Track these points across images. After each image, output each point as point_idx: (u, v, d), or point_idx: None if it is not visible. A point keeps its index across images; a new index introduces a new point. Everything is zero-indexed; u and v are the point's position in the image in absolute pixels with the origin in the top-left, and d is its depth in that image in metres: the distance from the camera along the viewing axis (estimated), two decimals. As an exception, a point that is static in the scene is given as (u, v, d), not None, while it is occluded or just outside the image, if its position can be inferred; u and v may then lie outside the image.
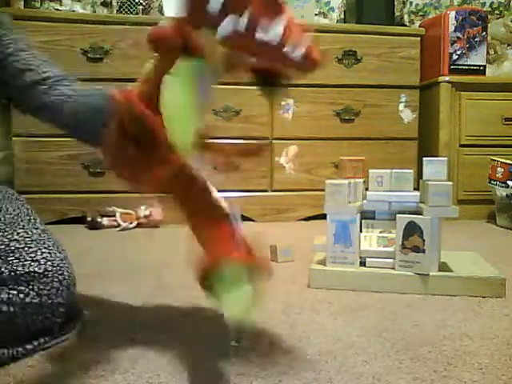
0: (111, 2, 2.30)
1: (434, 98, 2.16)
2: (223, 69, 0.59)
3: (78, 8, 2.31)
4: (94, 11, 2.33)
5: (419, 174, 2.16)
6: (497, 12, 2.66)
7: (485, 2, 2.65)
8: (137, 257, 1.34)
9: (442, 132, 2.12)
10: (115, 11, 2.22)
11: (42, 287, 0.70)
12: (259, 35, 0.53)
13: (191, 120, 0.57)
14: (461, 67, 2.14)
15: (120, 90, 0.61)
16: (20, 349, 0.68)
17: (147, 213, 1.90)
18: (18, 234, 0.75)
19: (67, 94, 0.78)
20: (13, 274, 0.69)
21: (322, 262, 1.09)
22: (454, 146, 2.13)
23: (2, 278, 0.69)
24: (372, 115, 2.12)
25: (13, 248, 0.72)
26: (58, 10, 2.24)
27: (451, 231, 1.61)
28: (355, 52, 2.08)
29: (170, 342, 0.75)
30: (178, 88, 0.56)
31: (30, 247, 0.73)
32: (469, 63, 2.15)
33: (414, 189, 1.13)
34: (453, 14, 2.13)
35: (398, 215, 1.01)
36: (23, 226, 0.78)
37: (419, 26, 2.37)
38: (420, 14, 2.61)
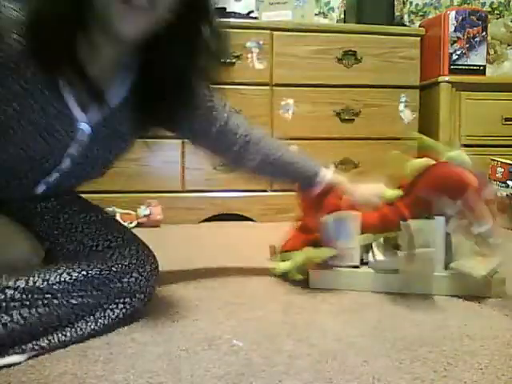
0: (111, 2, 2.29)
1: (433, 97, 2.16)
2: None
3: (78, 8, 2.31)
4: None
5: (419, 173, 2.16)
6: (497, 12, 2.66)
7: (485, 2, 2.65)
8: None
9: (442, 132, 2.12)
10: (115, 11, 2.22)
11: (122, 275, 0.79)
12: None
13: None
14: (461, 67, 2.14)
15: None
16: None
17: (147, 212, 1.90)
18: (111, 233, 0.85)
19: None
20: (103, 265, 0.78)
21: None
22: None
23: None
24: (372, 115, 2.12)
25: (106, 245, 0.83)
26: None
27: (451, 231, 1.61)
28: (355, 52, 2.08)
29: (170, 341, 0.75)
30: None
31: (120, 245, 0.83)
32: (469, 63, 2.15)
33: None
34: (453, 13, 2.13)
35: (401, 222, 1.00)
36: (116, 226, 0.89)
37: (419, 26, 2.37)
38: (420, 14, 2.62)
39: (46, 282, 0.71)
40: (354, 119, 2.11)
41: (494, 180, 1.97)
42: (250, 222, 2.03)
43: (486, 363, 0.68)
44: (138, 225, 1.89)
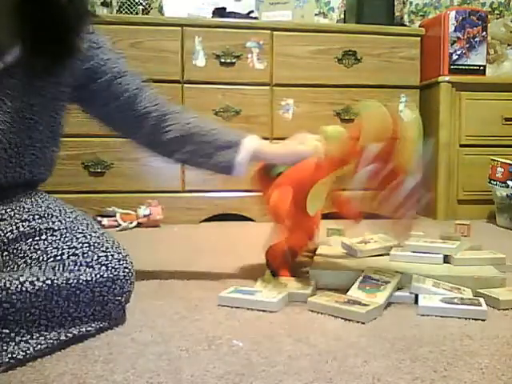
0: (111, 2, 2.30)
1: (434, 98, 2.16)
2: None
3: (78, 8, 2.31)
4: (94, 11, 2.33)
5: (419, 174, 2.16)
6: (497, 12, 2.66)
7: (485, 2, 2.65)
8: (136, 257, 1.33)
9: (442, 132, 2.12)
10: (115, 11, 2.22)
11: (95, 284, 0.74)
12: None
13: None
14: (461, 67, 2.14)
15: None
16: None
17: (147, 212, 1.90)
18: (77, 239, 0.78)
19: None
20: (70, 274, 0.73)
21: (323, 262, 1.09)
22: (454, 146, 2.13)
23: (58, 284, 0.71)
24: (372, 115, 2.12)
25: (71, 253, 0.76)
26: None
27: (451, 231, 1.61)
28: (355, 52, 2.08)
29: (170, 341, 0.75)
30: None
31: (87, 252, 0.77)
32: (469, 63, 2.15)
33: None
34: (453, 13, 2.13)
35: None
36: (82, 230, 0.81)
37: (419, 26, 2.37)
38: (420, 14, 2.62)
39: (4, 292, 0.66)
40: (353, 119, 2.11)
41: (494, 180, 1.98)
42: (250, 222, 2.03)
43: (486, 363, 0.68)
44: (138, 225, 1.89)
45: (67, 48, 0.85)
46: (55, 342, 0.71)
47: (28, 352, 0.67)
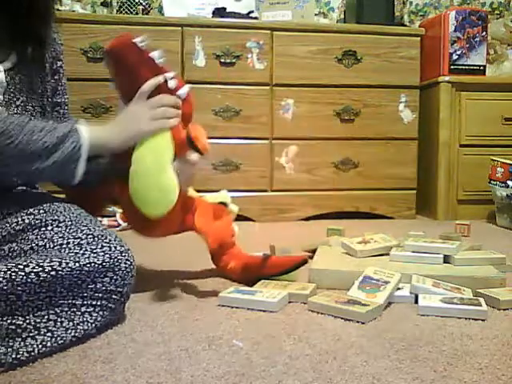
0: (111, 2, 2.30)
1: (434, 97, 2.16)
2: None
3: (77, 8, 2.31)
4: (94, 11, 2.33)
5: (419, 174, 2.16)
6: (497, 12, 2.65)
7: (485, 2, 2.65)
8: (137, 257, 1.33)
9: (442, 132, 2.12)
10: (115, 11, 2.22)
11: (96, 275, 0.75)
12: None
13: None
14: (461, 67, 2.14)
15: None
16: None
17: (147, 213, 1.90)
18: (81, 231, 0.80)
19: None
20: (75, 264, 0.74)
21: (322, 262, 1.09)
22: (453, 146, 2.13)
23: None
24: (372, 115, 2.12)
25: (76, 243, 0.78)
26: (57, 10, 2.23)
27: (451, 231, 1.61)
28: (355, 52, 2.08)
29: (170, 341, 0.75)
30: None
31: (91, 242, 0.78)
32: (469, 63, 2.15)
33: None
34: (453, 14, 2.13)
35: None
36: (86, 223, 0.83)
37: (419, 26, 2.37)
38: (420, 14, 2.61)
39: (10, 283, 0.67)
40: (354, 119, 2.11)
41: (494, 180, 1.98)
42: (250, 222, 2.03)
43: (485, 363, 0.68)
44: (138, 225, 1.88)
45: (43, 38, 0.95)
46: (60, 343, 0.71)
47: (32, 354, 0.67)
